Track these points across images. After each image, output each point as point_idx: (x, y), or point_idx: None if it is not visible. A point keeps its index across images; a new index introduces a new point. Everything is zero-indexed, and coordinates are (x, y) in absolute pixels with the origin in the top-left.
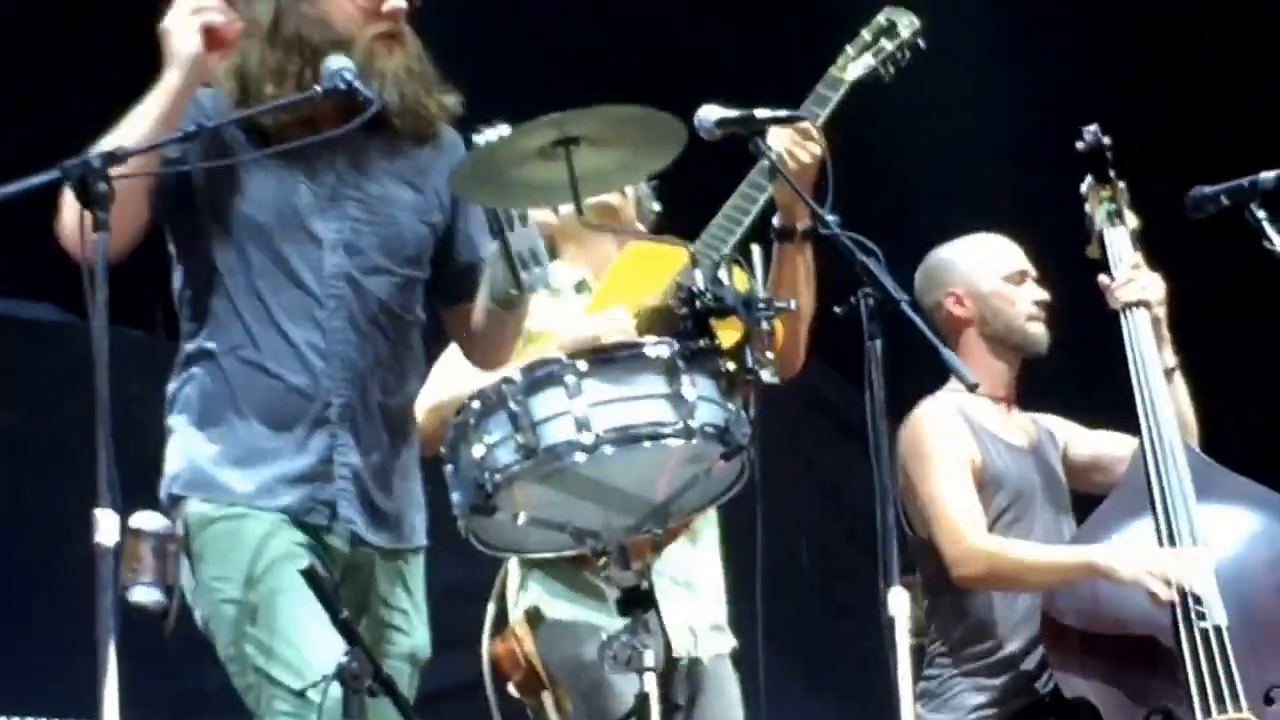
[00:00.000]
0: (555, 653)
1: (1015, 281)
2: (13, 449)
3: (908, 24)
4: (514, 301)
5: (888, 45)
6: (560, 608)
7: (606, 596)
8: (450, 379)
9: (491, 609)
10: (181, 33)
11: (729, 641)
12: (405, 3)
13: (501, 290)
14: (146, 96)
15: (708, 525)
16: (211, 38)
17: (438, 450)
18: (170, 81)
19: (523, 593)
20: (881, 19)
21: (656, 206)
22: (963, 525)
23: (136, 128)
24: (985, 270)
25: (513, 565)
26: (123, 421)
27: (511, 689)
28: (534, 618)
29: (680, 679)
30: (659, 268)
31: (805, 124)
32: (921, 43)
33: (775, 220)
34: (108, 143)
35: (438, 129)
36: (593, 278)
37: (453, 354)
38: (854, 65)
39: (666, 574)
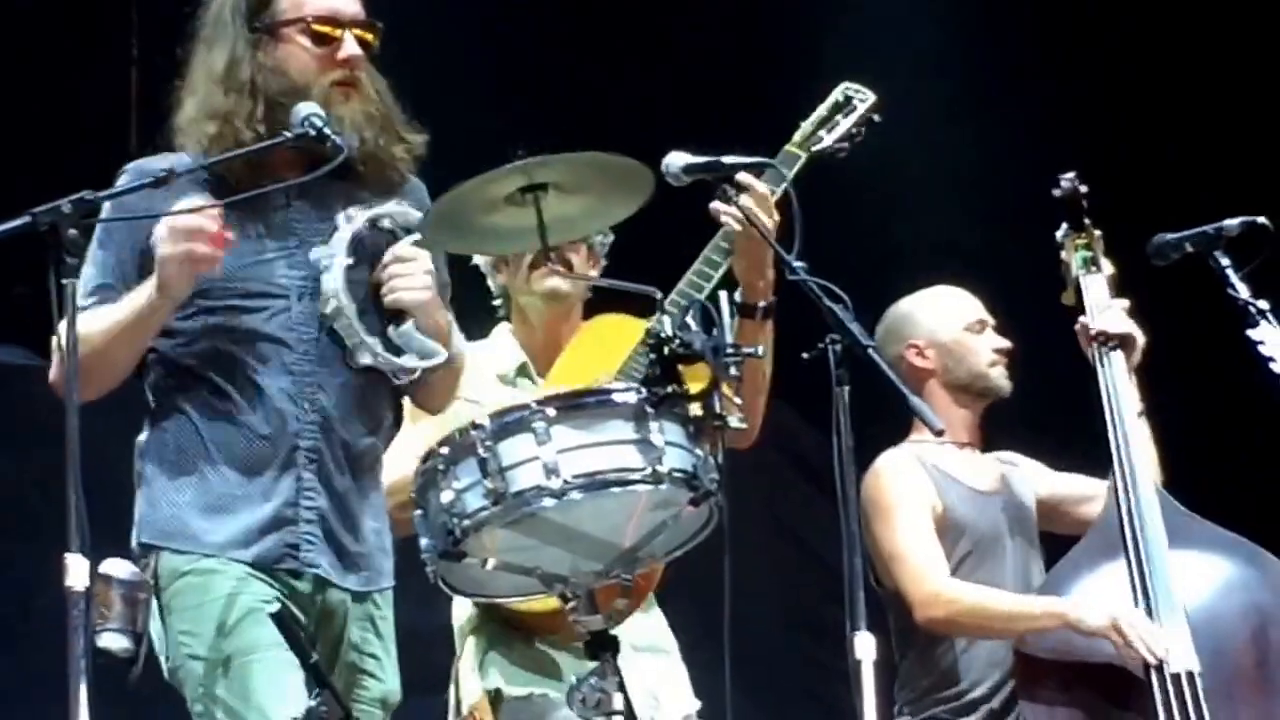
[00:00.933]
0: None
1: (975, 330)
2: None
3: (863, 100)
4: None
5: (843, 121)
6: (519, 687)
7: (562, 672)
8: (408, 462)
9: (452, 693)
10: (176, 274)
11: (694, 703)
12: (360, 50)
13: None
14: (126, 299)
15: (650, 594)
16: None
17: (402, 532)
18: (155, 302)
19: (481, 676)
20: (838, 94)
21: (608, 237)
22: (926, 571)
23: (106, 318)
24: (946, 321)
25: (467, 650)
26: (93, 464)
27: None
28: (494, 699)
29: None
30: (615, 346)
31: (762, 191)
32: (877, 117)
33: (736, 296)
34: (82, 322)
35: (401, 174)
36: (539, 360)
37: (410, 431)
38: (810, 141)
39: (626, 641)
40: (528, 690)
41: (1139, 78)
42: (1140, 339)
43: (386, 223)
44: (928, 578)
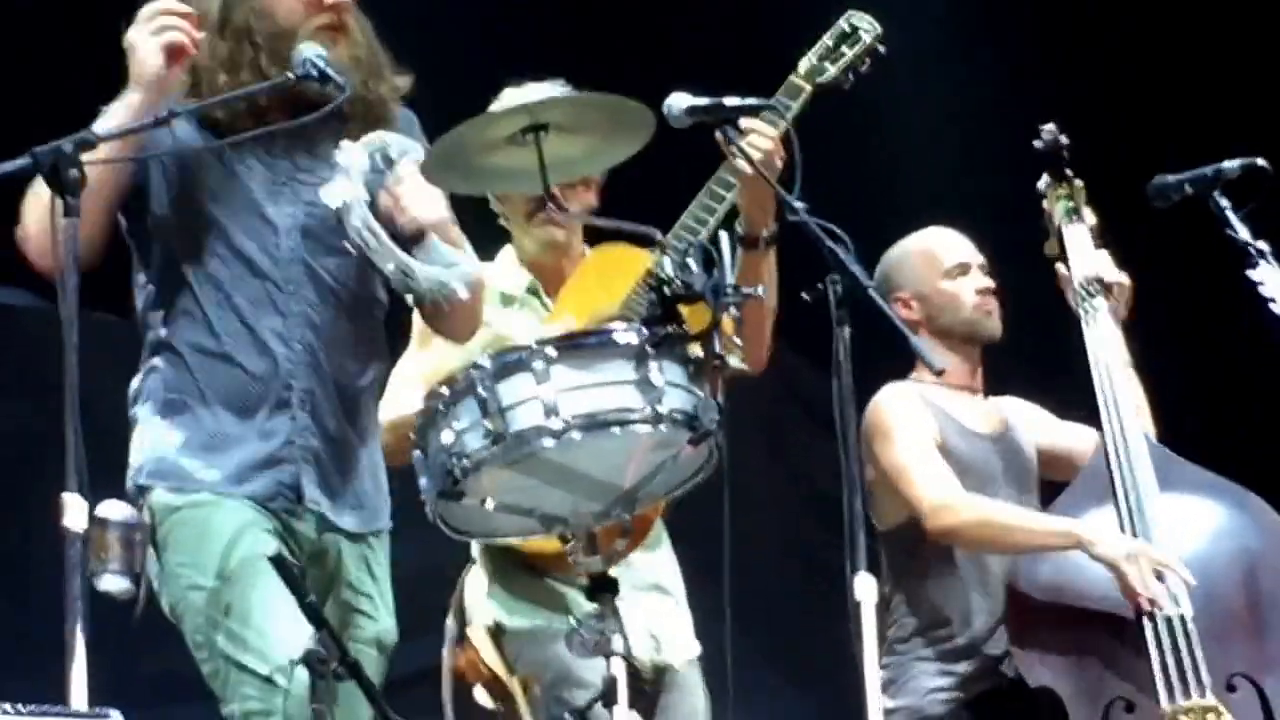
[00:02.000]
0: (519, 657)
1: (955, 275)
2: None
3: (869, 29)
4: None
5: (848, 52)
6: (520, 620)
7: (568, 604)
8: (406, 395)
9: (450, 624)
10: (145, 51)
11: (695, 648)
12: None
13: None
14: (110, 109)
15: (661, 531)
16: (173, 52)
17: (400, 463)
18: (132, 99)
19: (482, 609)
20: (843, 24)
21: None
22: (934, 480)
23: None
24: (926, 270)
25: (470, 579)
26: (94, 407)
27: (480, 698)
28: (495, 632)
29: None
30: (617, 278)
31: (763, 127)
32: (882, 48)
33: (738, 227)
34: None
35: (390, 112)
36: (545, 283)
37: (407, 362)
38: (815, 72)
39: (628, 581)
40: (530, 622)
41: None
42: (1129, 287)
43: (388, 152)
44: (937, 486)
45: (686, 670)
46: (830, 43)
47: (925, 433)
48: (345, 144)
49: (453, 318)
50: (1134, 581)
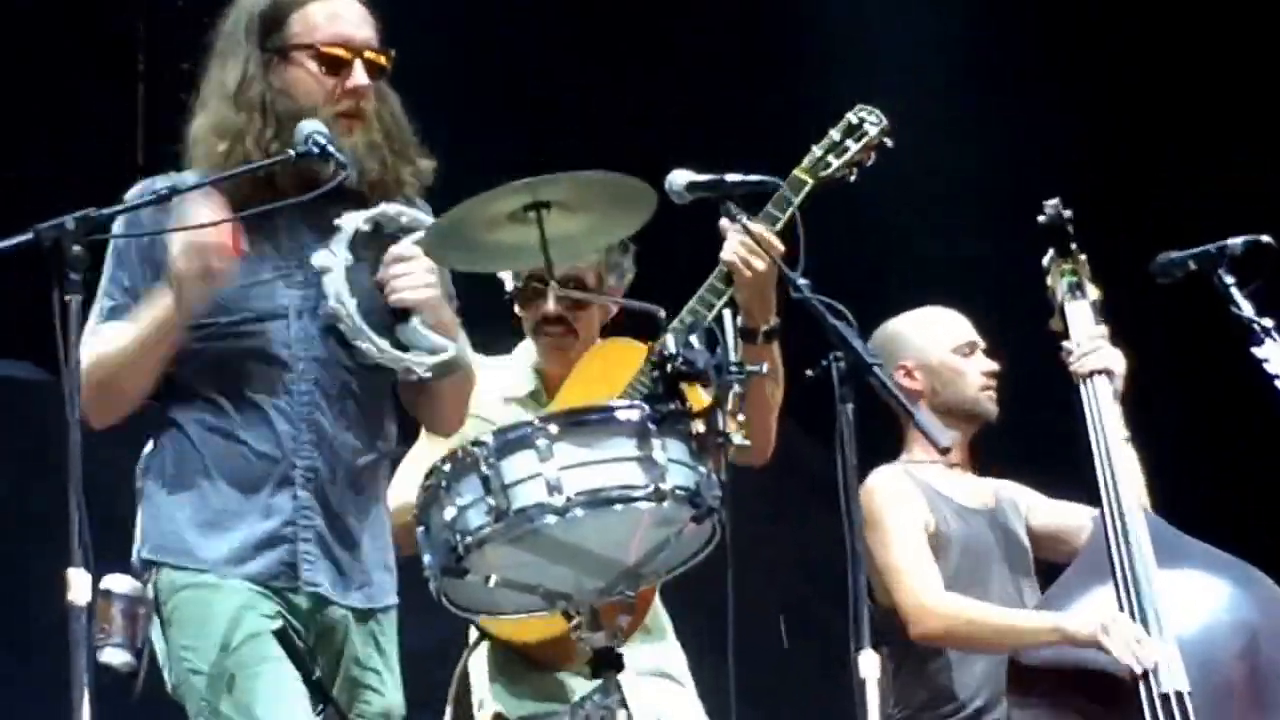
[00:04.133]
0: None
1: (964, 353)
2: None
3: (875, 123)
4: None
5: (853, 146)
6: (523, 709)
7: (568, 694)
8: (417, 480)
9: (449, 713)
10: (192, 285)
11: None
12: (368, 79)
13: (369, 355)
14: (141, 316)
15: (662, 617)
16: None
17: (407, 551)
18: (169, 318)
19: (489, 701)
20: (851, 118)
21: (629, 269)
22: (920, 585)
23: (122, 335)
24: (935, 343)
25: (473, 666)
26: (97, 481)
27: None
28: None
29: None
30: (619, 369)
31: (759, 232)
32: (889, 141)
33: (738, 321)
34: (98, 341)
35: (407, 199)
36: (551, 384)
37: (420, 449)
38: (819, 166)
39: (632, 669)
40: (532, 712)
41: (1141, 87)
42: (1120, 368)
43: (394, 221)
44: (921, 591)
45: None
46: (836, 137)
47: (916, 525)
48: (347, 214)
49: (432, 405)
50: (1118, 651)
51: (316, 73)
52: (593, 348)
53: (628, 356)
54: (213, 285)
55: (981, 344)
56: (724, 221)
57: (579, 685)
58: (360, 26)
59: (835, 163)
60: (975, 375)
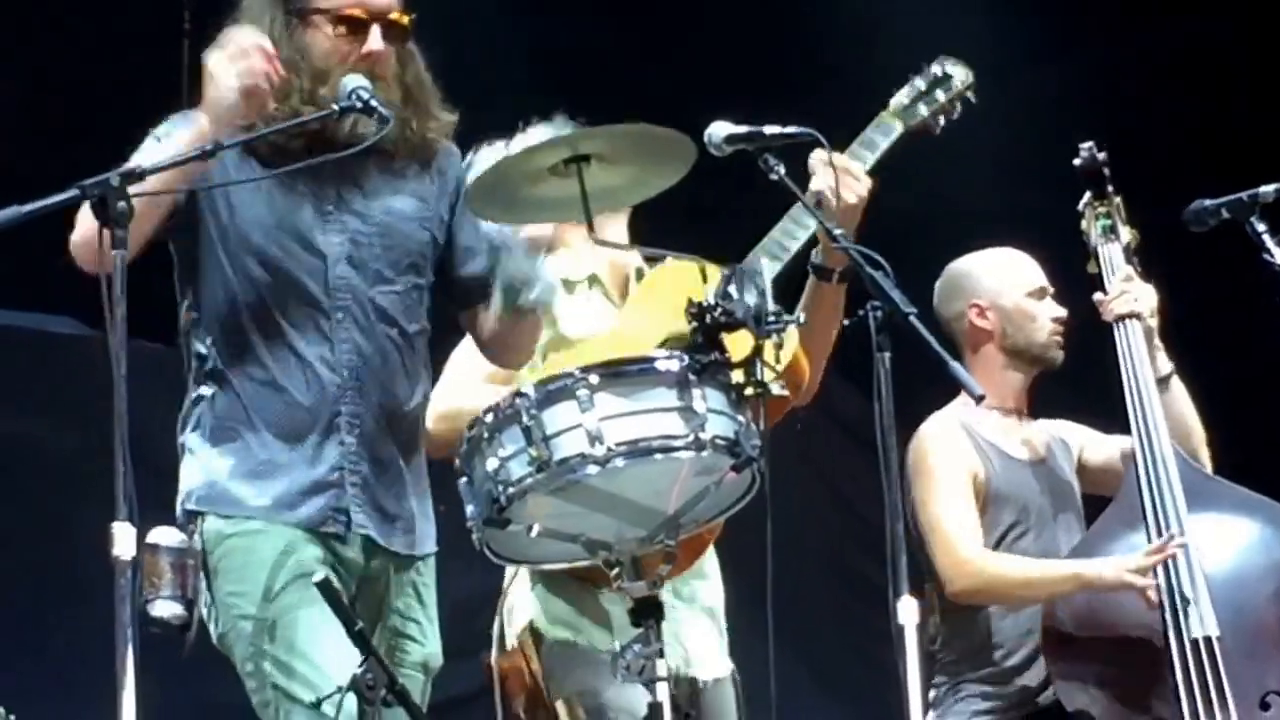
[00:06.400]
0: (559, 673)
1: (1037, 297)
2: (31, 460)
3: (963, 77)
4: (521, 315)
5: (940, 97)
6: (561, 632)
7: (611, 623)
8: (461, 386)
9: (496, 623)
10: (224, 83)
11: (726, 666)
12: (383, 45)
13: (504, 309)
14: (161, 131)
15: (710, 559)
16: (249, 90)
17: (447, 455)
18: (203, 125)
19: (523, 606)
20: (936, 69)
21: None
22: (956, 542)
23: (156, 156)
24: (1009, 285)
25: (515, 580)
26: (141, 434)
27: (518, 709)
28: (536, 636)
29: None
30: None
31: (852, 164)
32: (973, 96)
33: (814, 256)
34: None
35: (436, 150)
36: (605, 273)
37: (463, 354)
38: (907, 113)
39: (697, 602)
40: (570, 636)
41: (1186, 33)
42: (1151, 306)
43: None
44: (956, 548)
45: (714, 689)
46: (923, 85)
47: (962, 478)
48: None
49: (511, 339)
50: (1141, 582)
51: (334, 36)
52: (663, 266)
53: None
54: (249, 80)
55: (1051, 289)
56: (816, 155)
57: (618, 615)
58: None
59: (924, 111)
60: (1046, 320)
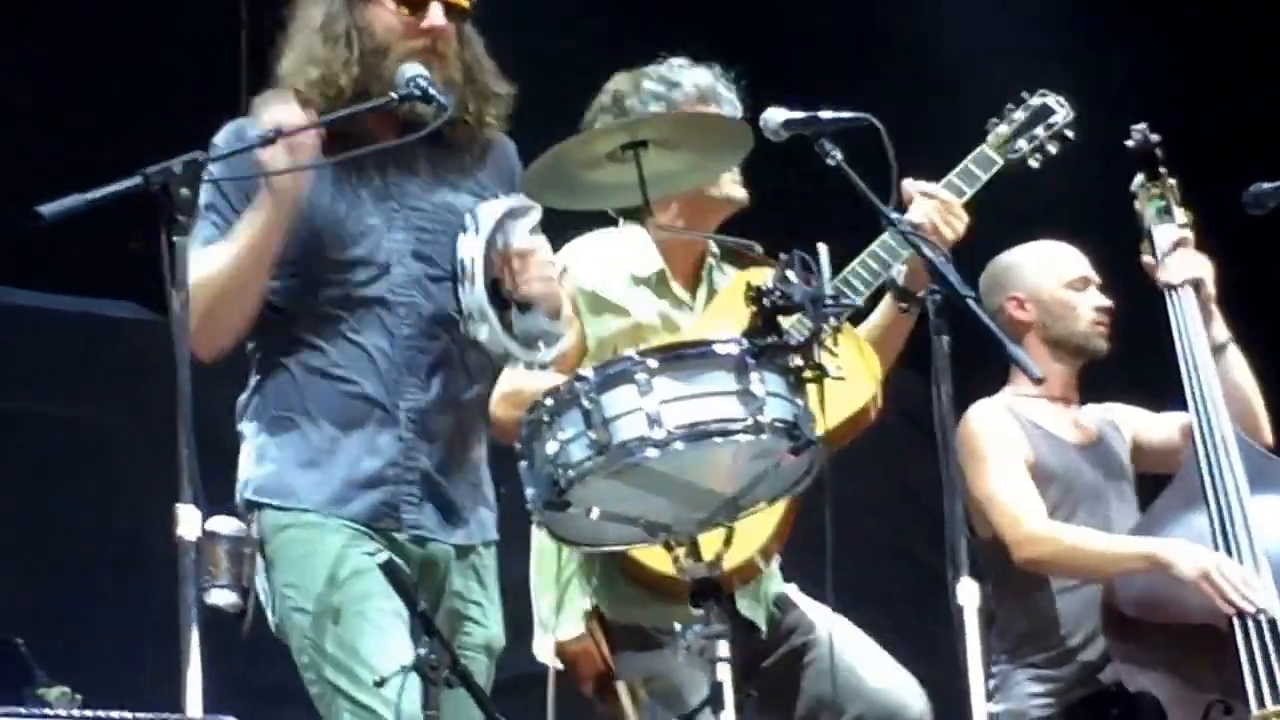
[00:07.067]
0: (621, 658)
1: (1077, 288)
2: (96, 445)
3: (1064, 113)
4: (531, 368)
5: (1041, 133)
6: (625, 615)
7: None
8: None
9: (551, 596)
10: (281, 178)
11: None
12: (444, 21)
13: (500, 356)
14: (238, 229)
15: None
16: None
17: (512, 440)
18: (266, 220)
19: (588, 588)
20: (1036, 102)
21: None
22: (1021, 511)
23: (222, 253)
24: (1047, 276)
25: (571, 572)
26: (203, 419)
27: (588, 692)
28: (602, 619)
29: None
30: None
31: (952, 201)
32: (1071, 134)
33: (899, 278)
34: (197, 266)
35: (490, 138)
36: (675, 266)
37: None
38: (1007, 147)
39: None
40: (634, 621)
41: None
42: (1206, 274)
43: (524, 209)
44: (1023, 518)
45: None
46: (1021, 117)
47: (1015, 455)
48: (483, 205)
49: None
50: (1216, 595)
51: (394, 10)
52: (745, 273)
53: None
54: (298, 157)
55: (1096, 279)
56: (910, 185)
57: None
58: None
59: (1024, 147)
60: (1086, 310)
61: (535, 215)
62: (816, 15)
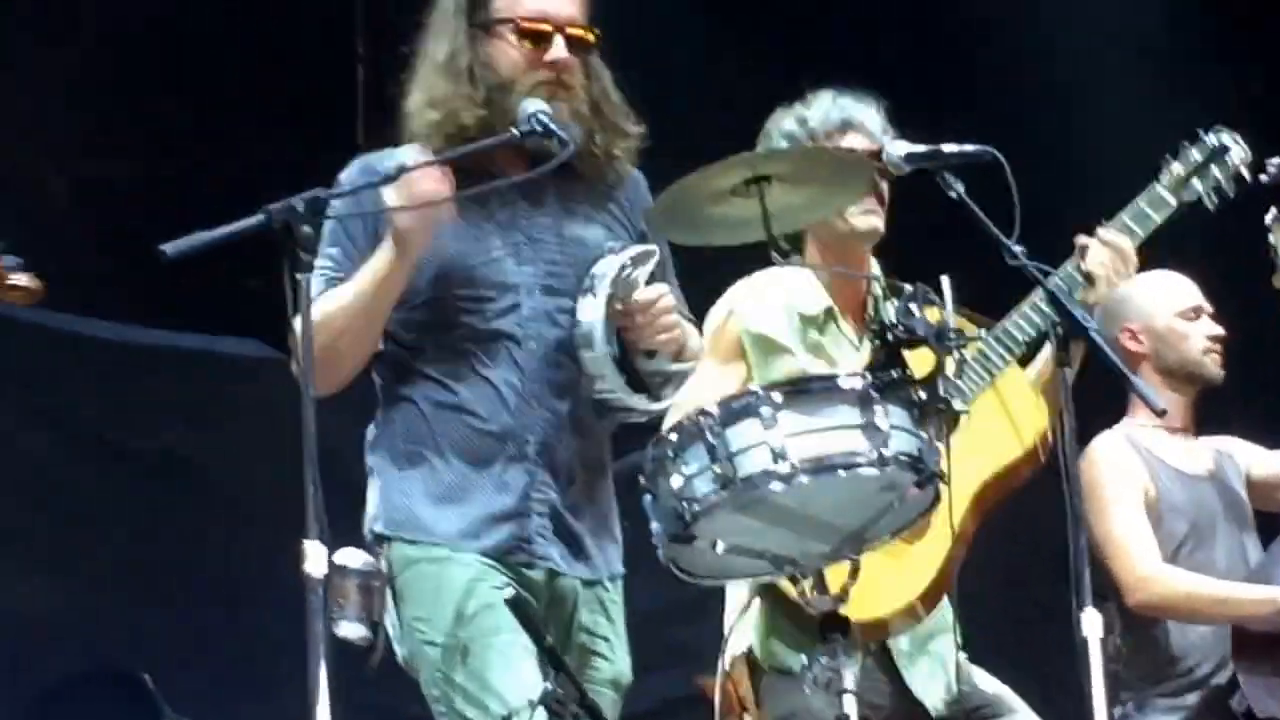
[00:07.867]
0: (769, 698)
1: (1190, 317)
2: (218, 481)
3: (1240, 154)
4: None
5: (1218, 173)
6: (782, 655)
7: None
8: (698, 384)
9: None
10: (410, 222)
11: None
12: (568, 54)
13: (624, 412)
14: (362, 270)
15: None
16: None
17: None
18: (390, 263)
19: (744, 636)
20: (1213, 140)
21: None
22: (1135, 554)
23: (344, 294)
24: (1160, 306)
25: (749, 614)
26: (325, 460)
27: None
28: (751, 664)
29: None
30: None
31: (1125, 244)
32: (1247, 174)
33: (1058, 329)
34: (318, 306)
35: (617, 170)
36: (840, 308)
37: (708, 370)
38: (1181, 187)
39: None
40: (789, 663)
41: None
42: None
43: (646, 257)
44: (1139, 563)
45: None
46: (1198, 157)
47: (1135, 494)
48: (601, 261)
49: None
50: None
51: (517, 45)
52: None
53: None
54: (426, 206)
55: (1208, 308)
56: (1084, 240)
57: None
58: (563, 3)
59: (1200, 188)
60: (1199, 339)
61: (654, 259)
62: (924, 45)
